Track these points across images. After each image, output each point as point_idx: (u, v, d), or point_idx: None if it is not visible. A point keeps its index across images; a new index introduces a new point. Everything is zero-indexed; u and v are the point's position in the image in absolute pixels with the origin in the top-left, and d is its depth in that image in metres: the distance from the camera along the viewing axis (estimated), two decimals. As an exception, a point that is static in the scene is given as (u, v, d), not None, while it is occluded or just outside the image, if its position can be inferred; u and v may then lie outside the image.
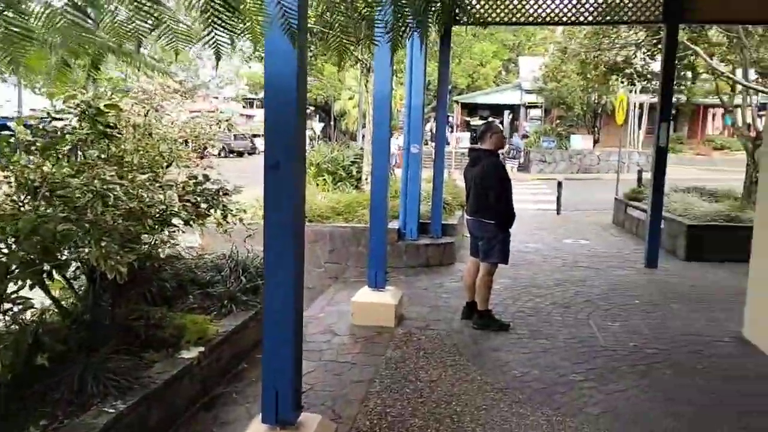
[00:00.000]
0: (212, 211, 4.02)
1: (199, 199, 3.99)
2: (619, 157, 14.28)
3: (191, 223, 4.10)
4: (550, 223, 12.40)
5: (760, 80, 9.58)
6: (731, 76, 9.04)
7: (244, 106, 68.36)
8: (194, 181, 3.97)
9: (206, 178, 3.99)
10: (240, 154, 42.07)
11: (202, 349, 3.77)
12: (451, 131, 29.04)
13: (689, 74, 27.55)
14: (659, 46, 10.92)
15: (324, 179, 9.49)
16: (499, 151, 5.34)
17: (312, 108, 52.23)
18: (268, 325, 2.95)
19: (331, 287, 6.92)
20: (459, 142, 28.99)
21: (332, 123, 37.67)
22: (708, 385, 3.90)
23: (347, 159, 10.21)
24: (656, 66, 12.87)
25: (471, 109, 34.63)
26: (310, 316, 5.49)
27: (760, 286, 4.68)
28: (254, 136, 48.44)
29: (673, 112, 32.37)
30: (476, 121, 33.35)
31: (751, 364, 4.26)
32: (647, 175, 14.21)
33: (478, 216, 4.98)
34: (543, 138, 26.16)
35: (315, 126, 39.07)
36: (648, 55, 11.15)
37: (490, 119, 5.04)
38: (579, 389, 3.83)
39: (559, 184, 13.98)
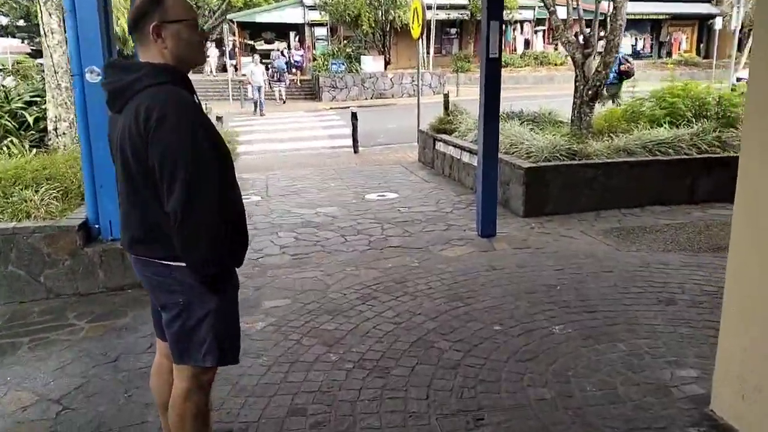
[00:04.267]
0: None
1: None
2: (419, 79, 12.00)
3: None
4: (348, 166, 9.75)
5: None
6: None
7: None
8: None
9: None
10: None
11: None
12: (224, 56, 24.84)
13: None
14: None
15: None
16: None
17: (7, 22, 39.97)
18: None
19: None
20: (239, 69, 24.89)
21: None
22: None
23: (17, 98, 6.16)
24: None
25: (253, 30, 30.21)
26: None
27: (753, 318, 2.37)
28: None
29: (457, 30, 31.69)
30: (261, 45, 29.16)
31: None
32: (454, 99, 12.14)
33: (146, 250, 1.88)
34: (332, 61, 23.25)
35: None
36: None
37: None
38: None
39: (354, 115, 11.32)
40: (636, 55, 28.83)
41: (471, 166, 7.48)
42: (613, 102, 12.21)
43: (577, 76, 7.44)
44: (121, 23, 25.90)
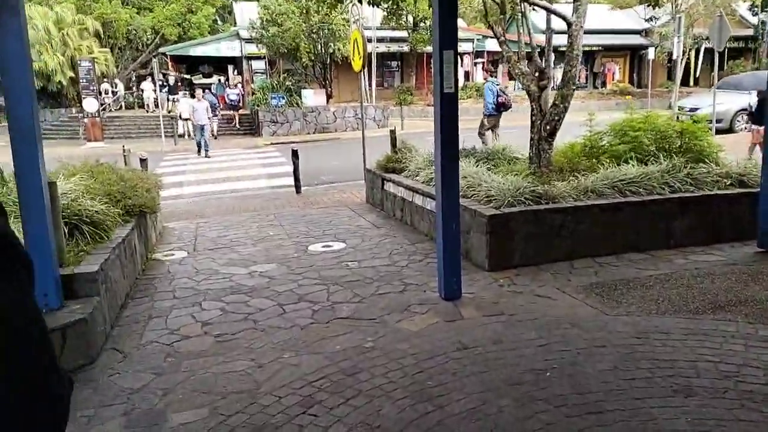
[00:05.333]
0: None
1: None
2: (362, 114, 11.31)
3: None
4: (289, 210, 8.86)
5: None
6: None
7: None
8: None
9: None
10: None
11: None
12: (156, 91, 23.59)
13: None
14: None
15: None
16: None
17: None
18: None
19: None
20: (176, 104, 23.57)
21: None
22: None
23: None
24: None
25: (190, 64, 29.10)
26: None
27: None
28: None
29: (398, 62, 31.56)
30: (199, 79, 27.95)
31: None
32: (407, 133, 11.37)
33: None
34: (271, 95, 22.36)
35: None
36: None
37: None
38: None
39: (295, 153, 10.48)
40: (573, 85, 29.35)
41: (424, 209, 6.76)
42: (493, 132, 12.34)
43: (533, 110, 6.87)
44: (44, 58, 24.40)
